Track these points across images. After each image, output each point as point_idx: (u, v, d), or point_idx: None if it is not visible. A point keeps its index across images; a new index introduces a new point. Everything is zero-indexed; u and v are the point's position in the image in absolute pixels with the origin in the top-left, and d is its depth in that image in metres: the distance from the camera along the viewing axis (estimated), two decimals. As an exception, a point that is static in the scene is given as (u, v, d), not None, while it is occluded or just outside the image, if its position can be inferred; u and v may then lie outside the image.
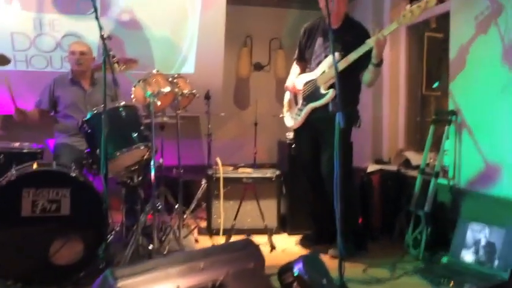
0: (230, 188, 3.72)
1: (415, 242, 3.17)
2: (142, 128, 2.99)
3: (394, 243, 3.43)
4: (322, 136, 3.25)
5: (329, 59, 3.14)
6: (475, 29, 3.12)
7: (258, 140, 4.69)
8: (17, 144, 3.17)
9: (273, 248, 3.39)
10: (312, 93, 3.27)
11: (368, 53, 3.01)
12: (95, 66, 3.59)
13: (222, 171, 3.71)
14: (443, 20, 3.59)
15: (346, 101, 2.86)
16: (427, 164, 3.49)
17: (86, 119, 2.93)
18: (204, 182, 4.00)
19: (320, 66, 3.26)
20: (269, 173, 3.84)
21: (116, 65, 2.84)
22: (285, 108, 3.54)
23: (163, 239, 3.17)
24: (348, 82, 3.07)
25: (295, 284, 2.17)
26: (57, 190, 2.55)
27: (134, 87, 3.28)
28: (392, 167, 4.00)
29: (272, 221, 3.73)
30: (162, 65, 4.41)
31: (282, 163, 4.07)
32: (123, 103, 3.01)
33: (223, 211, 3.65)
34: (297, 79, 3.42)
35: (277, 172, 3.85)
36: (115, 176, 3.06)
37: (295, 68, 3.54)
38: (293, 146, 3.69)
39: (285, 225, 3.82)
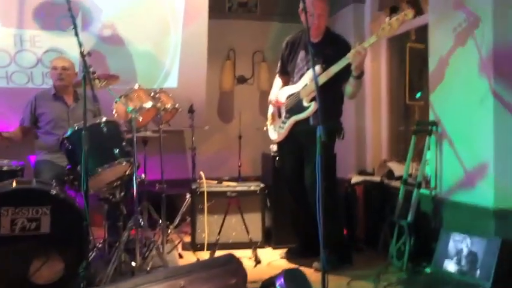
0: (214, 202, 3.70)
1: (399, 252, 3.18)
2: (124, 143, 2.98)
3: (379, 254, 3.43)
4: (306, 149, 3.27)
5: (311, 72, 3.17)
6: (454, 41, 3.17)
7: (243, 153, 4.70)
8: (-4, 162, 3.13)
9: (258, 262, 3.37)
10: (295, 105, 3.29)
11: (349, 66, 3.04)
12: (77, 82, 3.58)
13: (206, 185, 3.70)
14: (423, 31, 3.65)
15: (329, 113, 2.90)
16: (410, 175, 3.52)
17: (66, 135, 2.90)
18: (188, 196, 3.98)
19: (302, 79, 3.29)
20: (253, 186, 3.84)
21: (96, 81, 2.83)
22: (269, 121, 3.56)
23: (146, 255, 3.14)
24: (330, 94, 3.10)
25: (277, 298, 2.16)
26: (37, 208, 2.52)
27: (116, 102, 3.27)
28: (376, 178, 4.02)
29: (257, 235, 3.72)
30: (145, 79, 4.40)
31: (266, 176, 4.08)
32: (104, 119, 2.99)
33: (207, 225, 3.64)
34: (280, 91, 3.44)
35: (262, 185, 3.85)
36: (97, 192, 3.03)
37: (277, 81, 3.57)
38: (277, 158, 3.70)
39: (269, 238, 3.81)
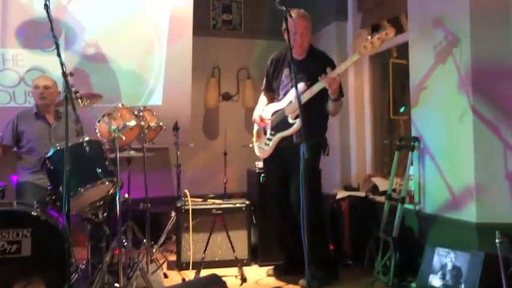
0: (199, 220, 3.68)
1: (385, 268, 3.19)
2: (107, 162, 2.95)
3: (365, 270, 3.43)
4: (291, 165, 3.26)
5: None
6: (434, 59, 3.23)
7: (228, 170, 4.69)
8: (-24, 184, 3.08)
9: (244, 280, 3.34)
10: (280, 122, 3.30)
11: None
12: (60, 101, 3.55)
13: (191, 202, 3.68)
14: (405, 47, 3.71)
15: (313, 130, 2.91)
16: (394, 190, 3.55)
17: (48, 155, 2.87)
18: (173, 214, 3.95)
19: (287, 96, 3.31)
20: (238, 203, 3.82)
21: (79, 101, 2.81)
22: (254, 138, 3.56)
23: (130, 275, 3.09)
24: (315, 111, 3.12)
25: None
26: (18, 230, 2.48)
27: (98, 122, 3.25)
28: (361, 193, 4.05)
29: (243, 252, 3.70)
30: (129, 97, 4.40)
31: (251, 192, 4.07)
32: (87, 138, 2.97)
33: (193, 244, 3.61)
34: (266, 108, 3.46)
35: (247, 202, 3.84)
36: (79, 212, 2.99)
37: (262, 99, 3.58)
38: (262, 175, 3.70)
39: (256, 255, 3.78)
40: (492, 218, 2.83)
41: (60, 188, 2.74)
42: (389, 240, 3.20)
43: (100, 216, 2.96)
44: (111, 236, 3.04)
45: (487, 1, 2.93)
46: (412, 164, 3.41)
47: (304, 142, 2.35)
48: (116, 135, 2.89)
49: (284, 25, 2.84)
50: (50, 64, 4.12)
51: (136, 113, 3.46)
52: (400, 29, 3.93)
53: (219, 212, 3.71)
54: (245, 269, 3.48)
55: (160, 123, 3.69)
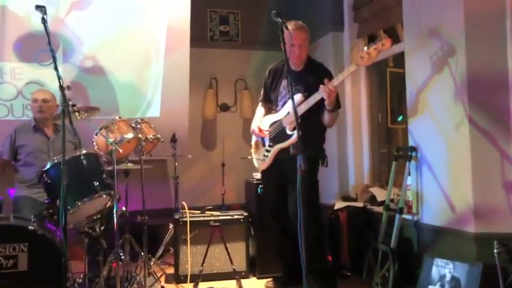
0: (197, 232, 3.67)
1: (384, 279, 3.17)
2: (104, 176, 2.95)
3: (364, 281, 3.42)
4: (289, 177, 3.25)
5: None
6: (431, 69, 3.24)
7: (226, 181, 4.67)
8: (-27, 198, 3.08)
9: (242, 292, 3.33)
10: (278, 134, 3.30)
11: None
12: (58, 114, 3.55)
13: (189, 214, 3.67)
14: (401, 56, 3.73)
15: (311, 141, 2.91)
16: (392, 200, 3.54)
17: (45, 168, 2.87)
18: (171, 226, 3.93)
19: (285, 107, 3.31)
20: (236, 215, 3.81)
21: (76, 114, 2.82)
22: (253, 150, 3.56)
23: (127, 289, 3.07)
24: (312, 122, 3.13)
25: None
26: (14, 245, 2.47)
27: (96, 135, 3.25)
28: (359, 204, 4.04)
29: (241, 264, 3.69)
30: (127, 110, 4.40)
31: (249, 203, 4.06)
32: (84, 151, 2.97)
33: (190, 256, 3.59)
34: (264, 119, 3.46)
35: (245, 213, 3.83)
36: (76, 226, 2.97)
37: (259, 110, 3.59)
38: (260, 186, 3.69)
39: (254, 267, 3.76)
40: (490, 228, 2.83)
41: (58, 201, 2.74)
42: (387, 251, 3.19)
43: (97, 229, 2.95)
44: (108, 249, 3.02)
45: (482, 12, 2.95)
46: (409, 174, 3.41)
47: (300, 153, 2.35)
48: (113, 148, 2.89)
49: (281, 37, 2.85)
50: (48, 77, 4.12)
51: (133, 125, 3.47)
52: (396, 39, 3.95)
53: (217, 223, 3.70)
54: (243, 281, 3.47)
55: (158, 135, 3.69)
